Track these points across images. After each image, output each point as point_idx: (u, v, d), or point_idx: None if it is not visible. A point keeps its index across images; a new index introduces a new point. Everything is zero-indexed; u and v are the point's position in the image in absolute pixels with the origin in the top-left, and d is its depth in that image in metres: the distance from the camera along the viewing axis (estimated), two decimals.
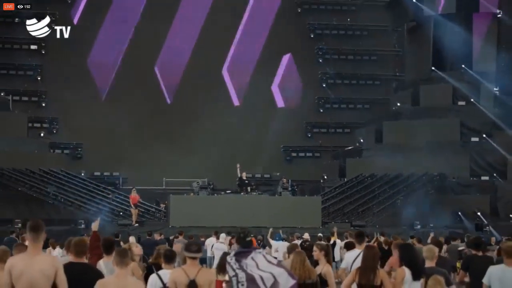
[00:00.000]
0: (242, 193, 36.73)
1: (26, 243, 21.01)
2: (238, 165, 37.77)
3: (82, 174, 43.40)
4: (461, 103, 45.07)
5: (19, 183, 38.17)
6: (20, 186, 38.07)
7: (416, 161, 40.83)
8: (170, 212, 35.99)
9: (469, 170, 42.19)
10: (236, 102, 49.34)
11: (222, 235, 25.27)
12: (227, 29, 49.48)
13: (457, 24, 45.42)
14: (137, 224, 34.89)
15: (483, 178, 42.13)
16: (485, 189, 41.20)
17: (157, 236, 25.13)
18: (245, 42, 49.15)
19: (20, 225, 33.08)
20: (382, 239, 19.79)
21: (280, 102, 50.36)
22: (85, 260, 9.53)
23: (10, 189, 38.04)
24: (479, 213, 38.86)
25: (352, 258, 11.65)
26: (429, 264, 10.45)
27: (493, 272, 9.93)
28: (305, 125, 50.50)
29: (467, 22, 45.91)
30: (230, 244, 26.69)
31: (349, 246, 14.78)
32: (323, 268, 11.28)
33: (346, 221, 36.89)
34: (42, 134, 46.77)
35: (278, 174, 42.44)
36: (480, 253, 12.58)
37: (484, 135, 43.23)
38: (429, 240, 15.79)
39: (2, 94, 45.49)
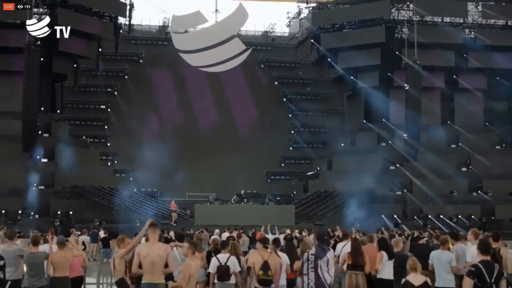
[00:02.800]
0: (242, 203, 36.88)
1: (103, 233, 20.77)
2: (241, 188, 38.12)
3: (135, 190, 43.10)
4: (383, 144, 45.39)
5: (95, 196, 38.14)
6: (96, 197, 38.03)
7: (355, 182, 40.82)
8: (195, 215, 35.96)
9: (389, 188, 42.29)
10: (235, 145, 48.57)
11: (217, 231, 24.46)
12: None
13: (379, 93, 46.15)
14: (175, 224, 34.83)
15: (397, 193, 42.24)
16: (399, 200, 41.38)
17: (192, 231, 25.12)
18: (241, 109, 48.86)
19: (97, 223, 33.08)
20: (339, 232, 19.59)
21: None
22: None
23: (90, 200, 37.94)
24: (395, 216, 39.11)
25: (340, 247, 11.69)
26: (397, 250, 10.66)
27: (434, 255, 10.16)
28: (280, 158, 50.69)
29: (386, 91, 46.43)
30: (239, 236, 26.46)
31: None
32: None
33: (310, 221, 36.90)
34: (109, 164, 46.90)
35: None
36: (420, 242, 12.88)
37: (398, 165, 43.64)
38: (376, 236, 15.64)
39: (83, 137, 45.66)
